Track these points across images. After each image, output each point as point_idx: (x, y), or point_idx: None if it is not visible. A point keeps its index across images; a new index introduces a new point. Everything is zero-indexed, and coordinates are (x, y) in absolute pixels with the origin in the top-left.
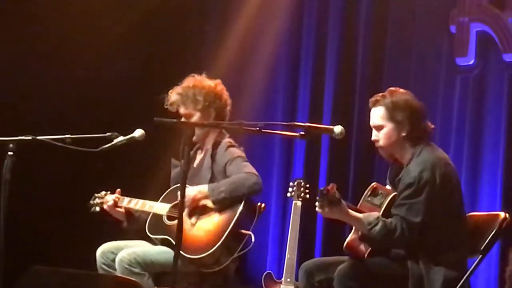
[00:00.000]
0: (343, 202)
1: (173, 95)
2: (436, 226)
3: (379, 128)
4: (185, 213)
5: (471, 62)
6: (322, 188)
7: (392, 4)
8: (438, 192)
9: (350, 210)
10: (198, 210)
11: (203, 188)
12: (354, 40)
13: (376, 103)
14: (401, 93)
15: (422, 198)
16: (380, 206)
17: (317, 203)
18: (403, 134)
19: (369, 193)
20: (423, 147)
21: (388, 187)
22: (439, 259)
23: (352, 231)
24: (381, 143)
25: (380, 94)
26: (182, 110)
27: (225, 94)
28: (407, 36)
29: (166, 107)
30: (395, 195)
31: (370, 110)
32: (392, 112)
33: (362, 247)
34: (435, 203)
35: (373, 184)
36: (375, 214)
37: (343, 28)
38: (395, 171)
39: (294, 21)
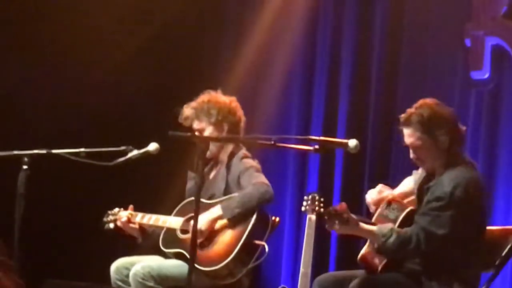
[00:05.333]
0: (353, 217)
1: (188, 109)
2: (457, 243)
3: (416, 147)
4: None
5: (486, 75)
6: (330, 209)
7: (406, 17)
8: (466, 211)
9: (362, 224)
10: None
11: (215, 213)
12: (369, 53)
13: (408, 122)
14: (435, 104)
15: (449, 214)
16: (395, 220)
17: (326, 225)
18: (443, 147)
19: (384, 206)
20: (460, 162)
21: (410, 199)
22: (454, 276)
23: (367, 243)
24: (422, 161)
25: (410, 110)
26: (195, 125)
27: (239, 111)
28: (422, 50)
29: (180, 121)
30: (411, 210)
31: (401, 128)
32: (430, 128)
33: (376, 260)
34: (461, 221)
35: (389, 197)
36: (389, 225)
37: (357, 42)
38: (424, 180)
39: (309, 35)
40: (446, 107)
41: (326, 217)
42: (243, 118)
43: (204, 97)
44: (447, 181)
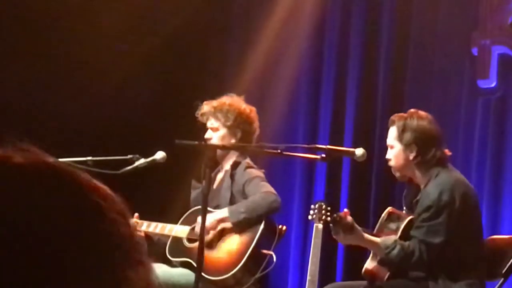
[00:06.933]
0: (357, 227)
1: (207, 106)
2: (455, 246)
3: (390, 147)
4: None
5: (493, 84)
6: (334, 215)
7: (413, 26)
8: (457, 214)
9: (366, 235)
10: (218, 233)
11: (221, 214)
12: (375, 62)
13: (392, 123)
14: (418, 116)
15: (441, 220)
16: (396, 230)
17: (332, 231)
18: (411, 157)
19: (385, 217)
20: (440, 170)
21: (404, 211)
22: (458, 278)
23: (370, 256)
24: (391, 163)
25: (399, 114)
26: (210, 123)
27: (256, 123)
28: (429, 59)
29: (196, 116)
30: (411, 219)
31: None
32: (402, 134)
33: (381, 272)
34: (455, 224)
35: (388, 209)
36: (393, 237)
37: (364, 50)
38: (412, 194)
39: (315, 43)
40: (434, 125)
41: (331, 224)
42: (257, 131)
43: (226, 98)
44: (431, 189)
